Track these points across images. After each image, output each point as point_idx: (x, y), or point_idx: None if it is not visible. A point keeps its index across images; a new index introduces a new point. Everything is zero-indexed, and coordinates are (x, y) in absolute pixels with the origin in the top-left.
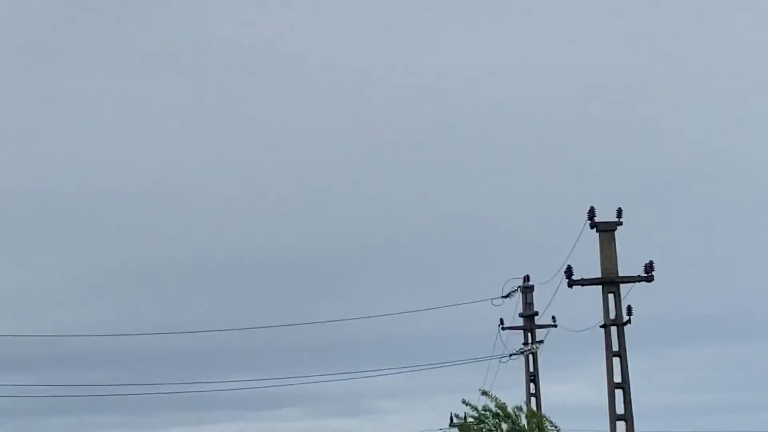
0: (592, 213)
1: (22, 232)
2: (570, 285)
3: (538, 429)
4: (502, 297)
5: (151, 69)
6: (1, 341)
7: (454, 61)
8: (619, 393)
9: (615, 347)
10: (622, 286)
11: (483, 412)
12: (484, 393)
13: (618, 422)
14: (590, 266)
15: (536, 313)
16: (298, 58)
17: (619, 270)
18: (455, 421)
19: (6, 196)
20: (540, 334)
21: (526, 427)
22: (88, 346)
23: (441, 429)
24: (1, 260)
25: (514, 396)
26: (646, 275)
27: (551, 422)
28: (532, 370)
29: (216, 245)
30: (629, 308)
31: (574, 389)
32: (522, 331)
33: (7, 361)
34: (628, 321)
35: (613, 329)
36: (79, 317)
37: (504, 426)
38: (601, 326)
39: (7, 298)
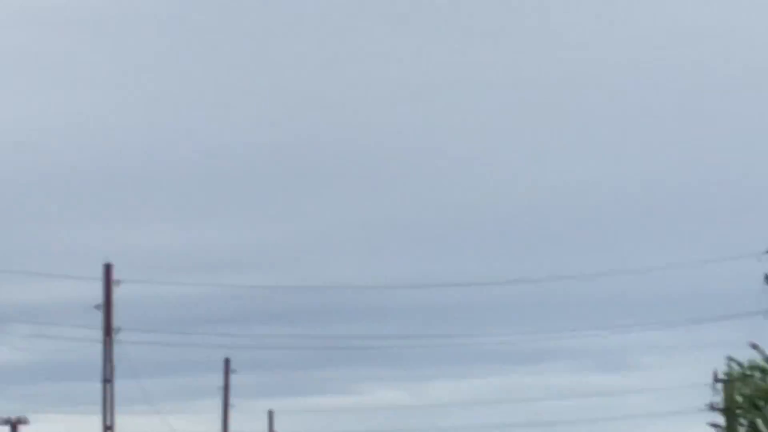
0: None
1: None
2: None
3: None
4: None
5: None
6: (268, 292)
7: None
8: None
9: None
10: None
11: (750, 367)
12: (755, 347)
13: None
14: None
15: None
16: None
17: None
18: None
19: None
20: None
21: None
22: (351, 298)
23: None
24: (271, 211)
25: None
26: None
27: None
28: None
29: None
30: None
31: None
32: None
33: (272, 312)
34: None
35: None
36: (344, 269)
37: None
38: None
39: (280, 249)
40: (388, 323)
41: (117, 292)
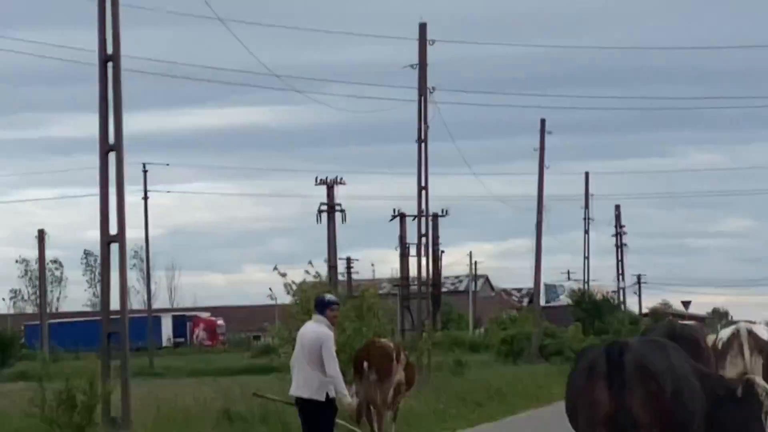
0: None
1: None
2: None
3: None
4: None
5: None
6: (585, 53)
7: None
8: None
9: None
10: None
11: None
12: None
13: None
14: None
15: None
16: None
17: None
18: None
19: None
20: None
21: None
22: (669, 60)
23: None
24: None
25: None
26: None
27: None
28: None
29: None
30: None
31: None
32: None
33: (588, 74)
34: None
35: None
36: (663, 32)
37: None
38: None
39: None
40: (706, 85)
41: (431, 52)
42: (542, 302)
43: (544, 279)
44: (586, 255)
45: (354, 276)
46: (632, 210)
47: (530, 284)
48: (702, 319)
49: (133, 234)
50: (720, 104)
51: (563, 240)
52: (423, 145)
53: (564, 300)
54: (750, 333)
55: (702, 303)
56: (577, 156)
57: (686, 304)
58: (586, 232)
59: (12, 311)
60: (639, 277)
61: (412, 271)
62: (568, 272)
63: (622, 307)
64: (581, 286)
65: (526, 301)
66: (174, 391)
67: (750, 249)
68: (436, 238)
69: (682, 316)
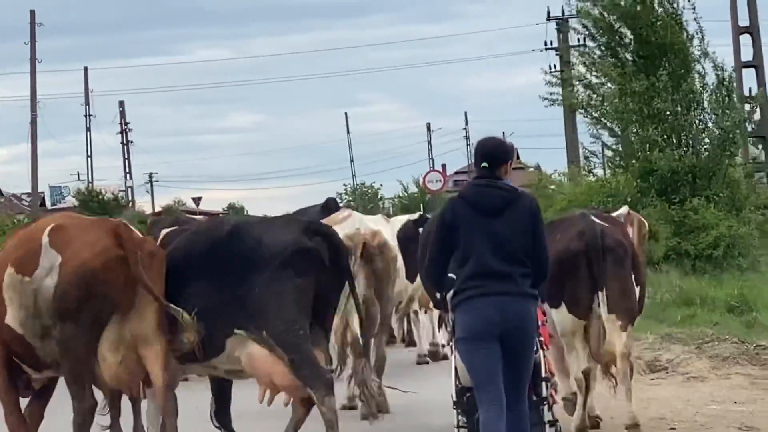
0: None
1: None
2: None
3: None
4: None
5: None
6: None
7: None
8: None
9: None
10: None
11: None
12: None
13: None
14: None
15: None
16: None
17: None
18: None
19: None
20: None
21: None
22: None
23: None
24: None
25: None
26: None
27: None
28: None
29: None
30: None
31: None
32: None
33: None
34: None
35: None
36: None
37: None
38: None
39: None
40: None
41: None
42: (48, 204)
43: (51, 181)
44: (89, 154)
45: None
46: (139, 109)
47: (39, 188)
48: (217, 215)
49: None
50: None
51: (72, 141)
52: None
53: (71, 201)
54: None
55: (214, 199)
56: (80, 57)
57: (197, 200)
58: (88, 129)
59: None
60: (150, 175)
61: None
62: (78, 174)
63: (132, 206)
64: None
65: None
66: None
67: (258, 143)
68: None
69: (195, 213)
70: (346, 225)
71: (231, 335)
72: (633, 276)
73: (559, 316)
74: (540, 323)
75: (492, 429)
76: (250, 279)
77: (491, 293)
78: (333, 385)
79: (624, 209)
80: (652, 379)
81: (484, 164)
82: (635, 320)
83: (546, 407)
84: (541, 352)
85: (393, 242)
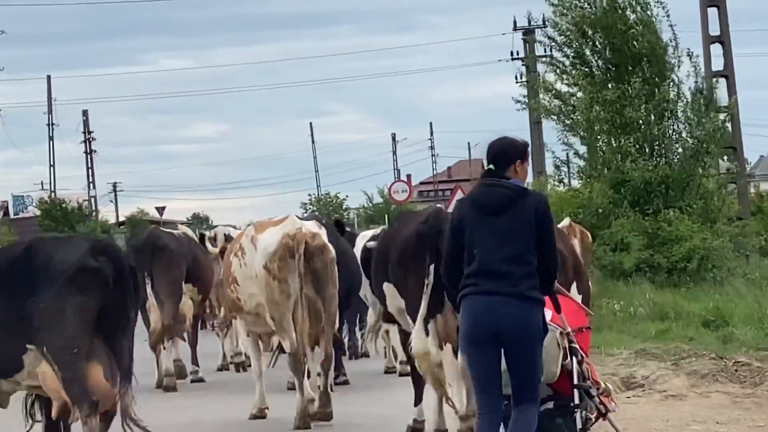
0: None
1: None
2: None
3: None
4: None
5: None
6: None
7: None
8: None
9: None
10: None
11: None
12: None
13: None
14: None
15: None
16: None
17: None
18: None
19: None
20: None
21: None
22: None
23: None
24: None
25: None
26: None
27: None
28: None
29: None
30: None
31: None
32: None
33: None
34: None
35: None
36: None
37: None
38: None
39: None
40: None
41: None
42: (11, 214)
43: (14, 191)
44: (52, 163)
45: None
46: (104, 120)
47: (2, 197)
48: (181, 224)
49: None
50: (184, 9)
51: (35, 150)
52: None
53: (33, 210)
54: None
55: (178, 209)
56: (43, 66)
57: (161, 210)
58: (51, 138)
59: None
60: (114, 185)
61: None
62: (42, 183)
63: (95, 215)
64: (51, 197)
65: (1, 214)
66: None
67: (223, 153)
68: None
69: (159, 222)
70: (284, 225)
71: (25, 351)
72: (575, 284)
73: None
74: (576, 329)
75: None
76: (39, 295)
77: (484, 293)
78: (97, 406)
79: (566, 221)
80: (628, 397)
81: (491, 165)
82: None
83: (579, 414)
84: (575, 359)
85: (331, 246)
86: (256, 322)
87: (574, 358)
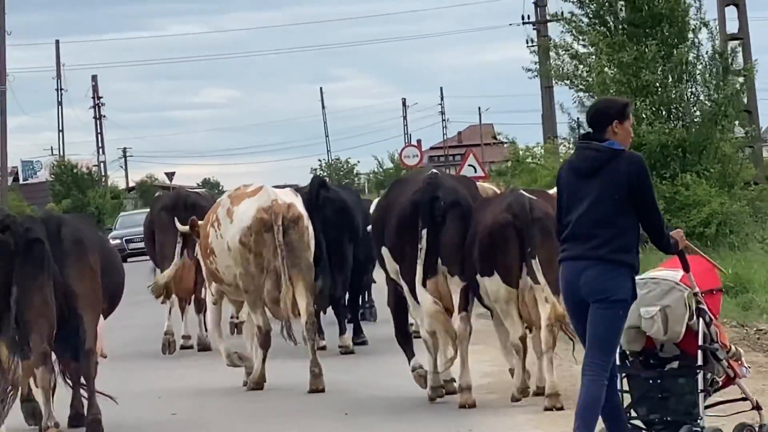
0: None
1: None
2: None
3: None
4: None
5: None
6: None
7: None
8: None
9: None
10: None
11: None
12: None
13: None
14: None
15: None
16: None
17: None
18: None
19: None
20: None
21: None
22: None
23: None
24: None
25: None
26: None
27: None
28: None
29: None
30: None
31: None
32: None
33: None
34: None
35: None
36: None
37: None
38: None
39: None
40: None
41: None
42: (21, 179)
43: (23, 156)
44: (61, 128)
45: None
46: (113, 85)
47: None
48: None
49: None
50: None
51: (44, 116)
52: None
53: (43, 176)
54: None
55: (187, 174)
56: (51, 31)
57: (170, 175)
58: (60, 103)
59: None
60: (124, 150)
61: None
62: (51, 149)
63: (105, 181)
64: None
65: (11, 179)
66: None
67: (232, 118)
68: None
69: (168, 188)
70: (259, 197)
71: None
72: None
73: (492, 285)
74: (707, 291)
75: (584, 395)
76: None
77: (571, 258)
78: None
79: None
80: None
81: (589, 129)
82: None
83: (703, 375)
84: (702, 320)
85: (305, 214)
86: (237, 293)
87: (701, 319)
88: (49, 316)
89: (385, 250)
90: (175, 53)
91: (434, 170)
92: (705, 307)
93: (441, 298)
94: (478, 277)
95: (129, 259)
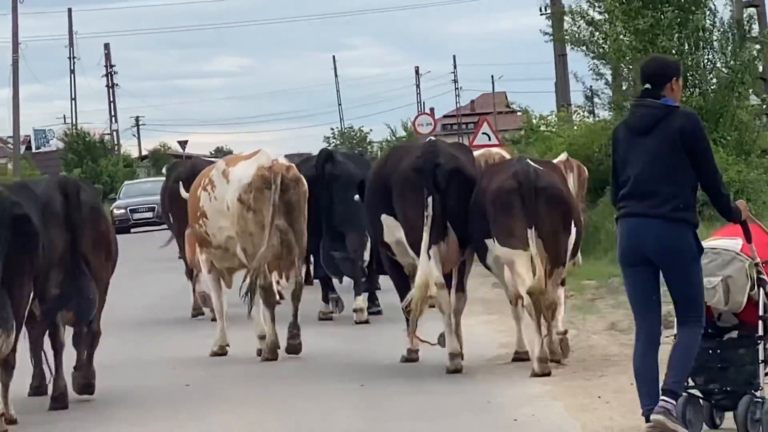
0: None
1: None
2: None
3: None
4: None
5: None
6: None
7: None
8: None
9: None
10: None
11: None
12: None
13: None
14: None
15: None
16: None
17: None
18: None
19: None
20: None
21: None
22: None
23: None
24: None
25: None
26: None
27: None
28: None
29: None
30: None
31: None
32: None
33: None
34: None
35: None
36: None
37: None
38: None
39: None
40: None
41: None
42: (33, 148)
43: (36, 125)
44: (73, 96)
45: None
46: (126, 53)
47: (24, 131)
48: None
49: None
50: None
51: (57, 84)
52: None
53: (55, 144)
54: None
55: (201, 143)
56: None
57: (183, 144)
58: (72, 71)
59: None
60: (137, 119)
61: None
62: (64, 117)
63: (117, 149)
64: (74, 130)
65: (23, 148)
66: None
67: (245, 87)
68: None
69: (181, 156)
70: (258, 158)
71: None
72: (567, 216)
73: (498, 249)
74: (765, 262)
75: (636, 363)
76: None
77: (631, 215)
78: None
79: (563, 155)
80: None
81: (647, 85)
82: (566, 258)
83: (763, 346)
84: (762, 290)
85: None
86: (224, 257)
87: (761, 289)
88: (24, 289)
89: (385, 218)
90: (188, 21)
91: (431, 137)
92: (765, 277)
93: (447, 263)
94: (486, 240)
95: (133, 230)
